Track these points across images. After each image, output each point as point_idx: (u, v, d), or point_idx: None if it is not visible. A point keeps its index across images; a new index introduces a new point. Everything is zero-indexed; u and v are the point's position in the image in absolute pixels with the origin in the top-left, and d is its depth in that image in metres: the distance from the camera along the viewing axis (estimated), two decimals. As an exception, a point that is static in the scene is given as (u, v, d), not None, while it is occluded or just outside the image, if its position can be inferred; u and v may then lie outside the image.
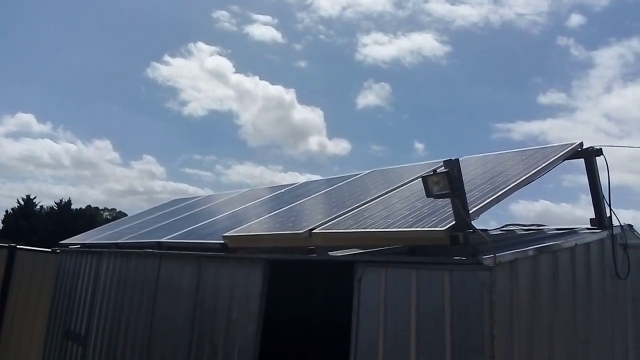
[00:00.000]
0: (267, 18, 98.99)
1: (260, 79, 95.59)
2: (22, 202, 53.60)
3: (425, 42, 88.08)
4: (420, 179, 3.25)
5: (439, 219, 3.34)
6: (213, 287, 5.01)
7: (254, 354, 4.29)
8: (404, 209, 3.86)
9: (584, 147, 4.60)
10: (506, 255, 3.10)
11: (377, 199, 4.42)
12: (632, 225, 4.63)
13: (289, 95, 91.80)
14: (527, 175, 3.96)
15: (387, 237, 3.46)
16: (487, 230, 5.05)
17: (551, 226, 4.92)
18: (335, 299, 5.01)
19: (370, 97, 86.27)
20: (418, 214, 3.59)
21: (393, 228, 3.42)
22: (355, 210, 4.20)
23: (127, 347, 6.18)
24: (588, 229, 4.44)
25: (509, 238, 4.18)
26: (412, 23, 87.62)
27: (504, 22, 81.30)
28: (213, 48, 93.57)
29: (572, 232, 4.41)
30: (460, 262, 2.99)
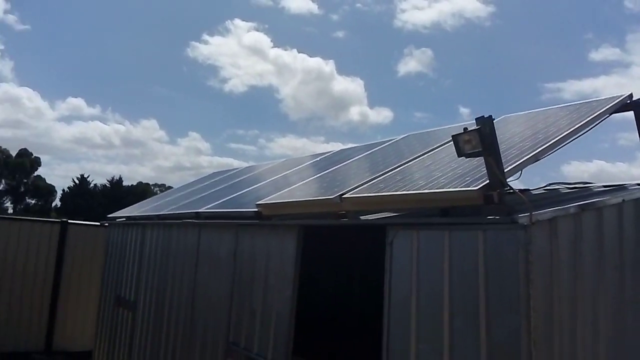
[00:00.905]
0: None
1: (299, 52, 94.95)
2: (77, 181, 56.00)
3: (467, 4, 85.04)
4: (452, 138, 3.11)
5: (472, 178, 3.21)
6: (250, 254, 5.06)
7: (290, 319, 4.32)
8: (437, 170, 3.73)
9: (634, 98, 4.30)
10: (545, 213, 2.95)
11: (410, 162, 4.30)
12: (687, 181, 4.32)
13: (328, 66, 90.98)
14: (570, 130, 3.73)
15: (419, 199, 3.36)
16: (528, 190, 4.84)
17: (599, 184, 4.67)
18: (371, 263, 4.96)
19: (411, 63, 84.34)
20: (451, 175, 3.46)
21: (424, 190, 3.32)
22: (388, 174, 4.10)
23: (172, 314, 6.38)
24: (639, 184, 4.19)
25: (550, 197, 3.99)
26: None
27: None
28: (250, 24, 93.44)
29: (620, 188, 4.16)
30: (494, 221, 2.87)
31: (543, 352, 2.72)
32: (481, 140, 2.89)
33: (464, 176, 3.32)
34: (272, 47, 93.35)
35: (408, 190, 3.43)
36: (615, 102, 4.27)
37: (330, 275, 7.07)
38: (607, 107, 4.17)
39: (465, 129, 2.98)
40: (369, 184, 3.98)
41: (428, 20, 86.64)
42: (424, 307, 3.21)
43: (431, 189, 3.28)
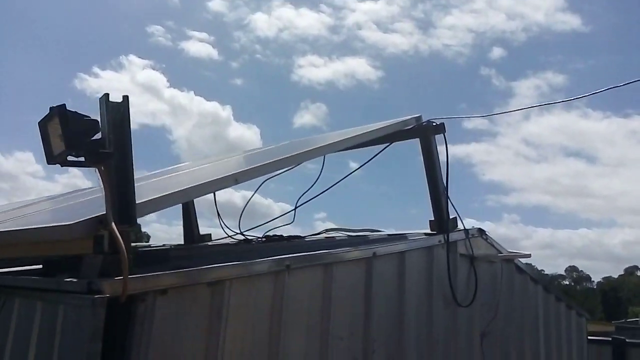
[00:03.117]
0: (203, 35, 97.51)
1: (196, 95, 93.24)
2: None
3: (359, 67, 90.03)
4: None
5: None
6: None
7: None
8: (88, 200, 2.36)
9: (422, 122, 3.33)
10: (201, 271, 1.66)
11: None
12: (483, 230, 3.36)
13: (225, 112, 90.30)
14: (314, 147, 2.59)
15: (19, 242, 1.93)
16: (299, 237, 3.59)
17: (385, 231, 3.59)
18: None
19: (306, 116, 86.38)
20: (89, 208, 2.09)
21: (21, 227, 1.90)
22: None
23: None
24: (426, 234, 3.13)
25: (273, 247, 2.77)
26: (346, 48, 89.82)
27: (432, 52, 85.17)
28: (146, 62, 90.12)
29: (400, 237, 3.08)
30: (71, 288, 1.50)
31: None
32: (64, 133, 1.55)
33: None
34: (168, 87, 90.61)
35: (9, 228, 1.99)
36: (398, 122, 3.27)
37: None
38: (387, 128, 3.15)
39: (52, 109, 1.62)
40: None
41: (323, 78, 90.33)
42: None
43: (29, 225, 1.86)
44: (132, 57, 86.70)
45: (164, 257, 2.00)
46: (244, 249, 3.06)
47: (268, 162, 2.40)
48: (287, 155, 2.51)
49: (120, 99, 1.73)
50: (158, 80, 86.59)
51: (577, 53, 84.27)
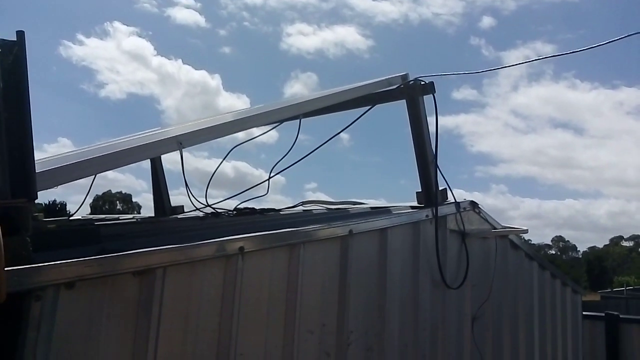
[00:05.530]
0: (190, 1, 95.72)
1: (184, 63, 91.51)
2: None
3: (349, 35, 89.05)
4: None
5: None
6: None
7: None
8: None
9: (409, 80, 2.94)
10: (124, 257, 1.30)
11: None
12: (476, 203, 3.02)
13: (214, 81, 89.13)
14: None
15: None
16: (274, 210, 3.23)
17: (369, 204, 3.24)
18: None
19: (297, 86, 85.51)
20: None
21: None
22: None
23: None
24: (413, 207, 2.79)
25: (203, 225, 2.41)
26: (335, 16, 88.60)
27: (422, 21, 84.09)
28: (132, 29, 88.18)
29: (383, 211, 2.73)
30: None
31: None
32: None
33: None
34: (155, 55, 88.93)
35: None
36: (381, 80, 2.89)
37: None
38: (369, 87, 2.77)
39: None
40: None
41: (312, 47, 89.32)
42: None
43: None
44: (117, 24, 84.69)
45: (92, 237, 1.63)
46: (206, 224, 2.71)
47: (216, 124, 2.02)
48: (244, 117, 2.13)
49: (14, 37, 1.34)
50: (145, 48, 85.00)
51: (567, 23, 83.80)
